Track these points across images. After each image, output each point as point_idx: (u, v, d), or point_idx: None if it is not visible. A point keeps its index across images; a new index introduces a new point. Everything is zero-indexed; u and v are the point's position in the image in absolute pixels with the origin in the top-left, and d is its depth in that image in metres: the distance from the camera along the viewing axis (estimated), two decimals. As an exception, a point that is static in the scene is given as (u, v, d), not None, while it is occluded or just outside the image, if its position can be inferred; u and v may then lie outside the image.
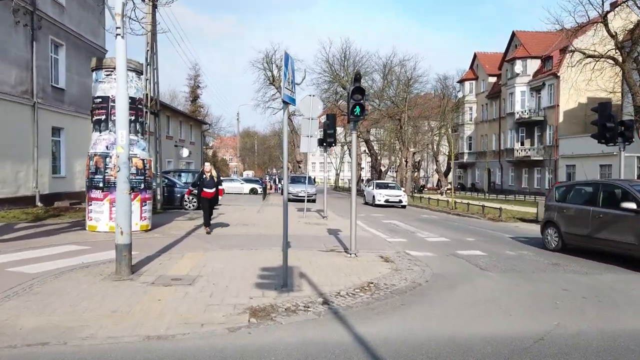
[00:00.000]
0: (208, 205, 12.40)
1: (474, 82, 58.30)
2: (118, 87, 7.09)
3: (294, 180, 32.74)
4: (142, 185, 11.93)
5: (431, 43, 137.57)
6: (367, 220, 18.11)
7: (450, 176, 61.31)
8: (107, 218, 11.43)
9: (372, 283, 7.02)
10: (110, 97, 11.64)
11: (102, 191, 11.58)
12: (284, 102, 6.65)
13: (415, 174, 34.67)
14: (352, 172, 9.46)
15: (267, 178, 46.41)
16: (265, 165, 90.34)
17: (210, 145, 74.89)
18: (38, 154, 19.17)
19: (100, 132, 11.74)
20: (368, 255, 9.63)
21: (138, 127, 12.05)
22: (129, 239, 6.99)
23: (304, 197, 29.43)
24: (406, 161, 32.74)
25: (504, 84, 49.95)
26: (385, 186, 29.33)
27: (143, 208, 11.96)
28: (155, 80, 18.72)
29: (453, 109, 52.90)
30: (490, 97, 54.48)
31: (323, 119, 24.19)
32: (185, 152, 34.93)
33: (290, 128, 42.41)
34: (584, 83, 25.63)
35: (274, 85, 40.84)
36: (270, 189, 42.38)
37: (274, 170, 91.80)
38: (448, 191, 42.20)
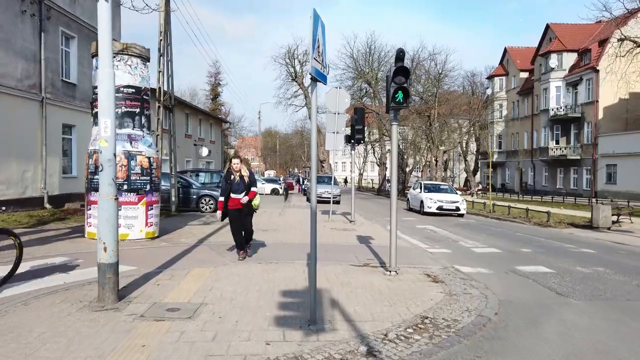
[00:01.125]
0: (238, 218, 8.57)
1: (504, 78, 55.84)
2: (101, 65, 5.60)
3: (317, 181, 31.11)
4: (148, 187, 10.49)
5: (456, 39, 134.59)
6: (400, 225, 16.40)
7: (477, 176, 59.08)
8: (143, 222, 10.02)
9: (427, 318, 5.37)
10: (112, 86, 10.22)
11: None
12: (312, 79, 5.06)
13: (443, 174, 32.70)
14: (392, 170, 7.79)
15: (291, 178, 44.88)
16: (287, 165, 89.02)
17: (233, 145, 74.01)
18: (47, 153, 18.01)
19: (100, 126, 10.32)
20: (410, 272, 7.98)
21: (144, 120, 10.62)
22: (114, 257, 5.49)
23: (328, 198, 28.02)
24: (436, 160, 30.85)
25: (537, 79, 47.50)
26: (437, 189, 23.29)
27: (149, 212, 10.52)
28: (170, 72, 17.36)
29: (482, 107, 50.61)
30: (522, 94, 52.02)
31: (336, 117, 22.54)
32: (204, 151, 33.72)
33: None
34: (635, 74, 23.43)
35: (296, 81, 39.34)
36: (292, 189, 40.92)
37: (296, 170, 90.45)
38: (479, 192, 40.08)
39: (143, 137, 10.54)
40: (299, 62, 38.78)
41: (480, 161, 60.47)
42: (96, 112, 10.36)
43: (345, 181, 66.78)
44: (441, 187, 23.97)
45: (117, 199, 5.56)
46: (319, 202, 28.30)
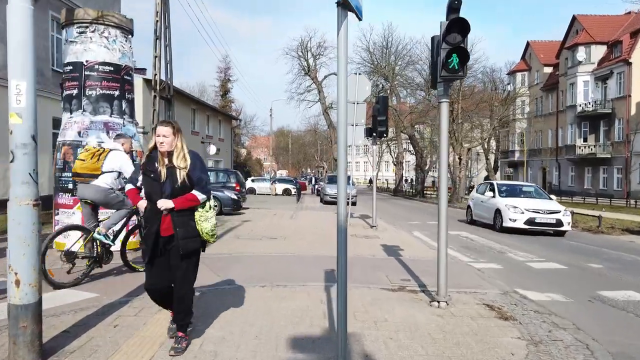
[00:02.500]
0: (162, 258, 4.02)
1: (526, 73, 53.32)
2: (15, -1, 3.68)
3: (331, 181, 29.22)
4: (130, 186, 8.56)
5: (473, 33, 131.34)
6: (426, 230, 14.37)
7: (497, 175, 56.57)
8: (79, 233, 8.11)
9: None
10: (84, 62, 8.35)
11: (73, 195, 8.29)
12: (338, 3, 3.10)
13: (467, 173, 30.48)
14: (441, 165, 5.75)
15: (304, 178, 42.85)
16: (299, 165, 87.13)
17: (245, 144, 72.33)
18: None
19: (71, 112, 8.46)
20: (463, 300, 5.97)
21: (125, 106, 8.72)
22: (34, 295, 3.58)
23: (344, 199, 26.00)
24: (460, 158, 28.67)
25: (562, 74, 45.03)
26: (519, 191, 16.16)
27: (132, 219, 8.60)
28: (168, 59, 15.49)
29: (503, 103, 48.22)
30: (546, 89, 49.52)
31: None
32: (212, 150, 31.91)
33: (328, 122, 38.87)
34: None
35: (309, 75, 37.36)
36: (305, 189, 39.02)
37: (308, 170, 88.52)
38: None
39: (123, 125, 8.64)
40: (312, 55, 36.87)
41: (501, 160, 58.01)
42: (67, 96, 8.55)
43: (370, 181, 64.68)
44: (524, 188, 16.70)
45: (38, 204, 3.64)
46: (332, 203, 26.47)
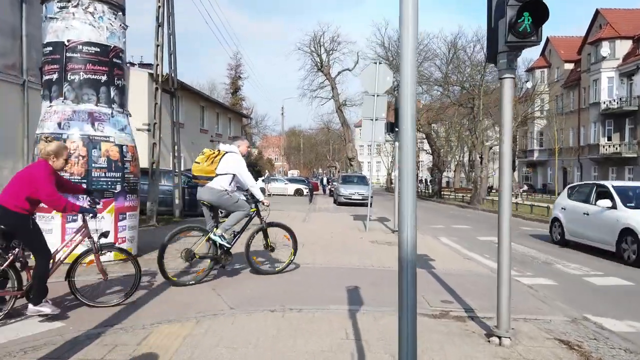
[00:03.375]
0: None
1: (545, 70, 51.50)
2: None
3: (346, 181, 27.96)
4: (119, 187, 7.39)
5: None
6: (453, 236, 13.03)
7: (514, 176, 54.80)
8: (59, 240, 6.88)
9: None
10: (66, 42, 7.18)
11: None
12: None
13: (488, 172, 28.96)
14: (503, 163, 4.42)
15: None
16: (311, 165, 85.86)
17: (257, 144, 71.22)
18: (29, 147, 15.16)
19: (50, 100, 7.28)
20: (528, 332, 4.68)
21: (114, 94, 7.53)
22: None
23: (359, 200, 24.75)
24: (481, 158, 27.20)
25: (585, 70, 43.28)
26: None
27: (120, 224, 7.42)
28: (172, 49, 14.32)
29: (521, 101, 46.52)
30: (567, 86, 47.78)
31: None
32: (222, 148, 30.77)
33: (341, 120, 37.55)
34: None
35: (322, 71, 36.01)
36: (317, 190, 37.78)
37: (320, 170, 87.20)
38: (524, 193, 36.21)
39: (112, 116, 7.45)
40: (325, 50, 35.49)
41: (519, 160, 56.25)
42: (46, 81, 7.44)
43: (391, 182, 63.25)
44: None
45: None
46: (347, 204, 25.16)
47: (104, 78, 7.36)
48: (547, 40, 51.99)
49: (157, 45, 13.50)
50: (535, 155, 52.69)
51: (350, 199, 24.94)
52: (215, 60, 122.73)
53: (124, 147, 7.51)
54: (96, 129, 7.21)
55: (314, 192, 31.53)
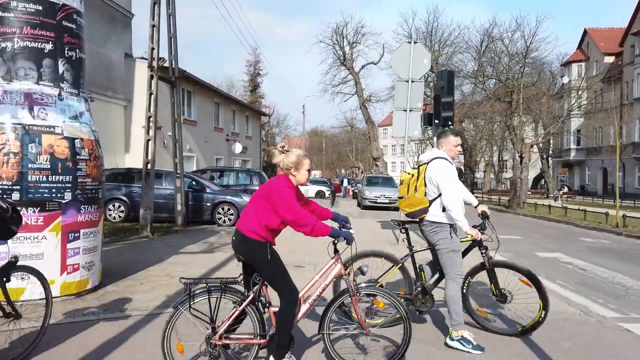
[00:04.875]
0: None
1: (583, 64, 48.31)
2: None
3: (370, 182, 25.84)
4: (68, 196, 5.41)
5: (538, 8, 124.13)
6: (506, 251, 10.75)
7: (550, 177, 51.65)
8: (57, 268, 4.83)
9: None
10: (-7, -3, 5.24)
11: (44, 209, 5.23)
12: None
13: (527, 174, 26.21)
14: None
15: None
16: (333, 165, 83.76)
17: (279, 145, 69.24)
18: None
19: (-28, 76, 5.34)
20: None
21: (63, 68, 5.56)
22: None
23: (385, 204, 22.63)
24: (521, 157, 24.65)
25: (628, 63, 40.28)
26: None
27: (71, 246, 5.44)
28: (171, 31, 12.40)
29: (556, 98, 43.58)
30: (607, 81, 44.52)
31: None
32: (238, 148, 28.97)
33: (365, 117, 35.27)
34: None
35: (345, 65, 33.75)
36: (339, 191, 35.67)
37: (343, 171, 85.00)
38: (564, 196, 33.43)
39: (60, 98, 5.49)
40: (348, 42, 33.16)
41: (553, 160, 53.06)
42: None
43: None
44: None
45: None
46: (372, 208, 23.00)
47: (48, 47, 5.40)
48: (585, 32, 48.91)
49: (153, 26, 11.58)
50: (572, 155, 49.57)
51: (376, 202, 22.84)
52: (232, 60, 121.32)
53: (76, 140, 5.53)
54: (35, 115, 5.26)
55: (336, 194, 29.44)
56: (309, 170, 3.74)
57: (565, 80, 48.51)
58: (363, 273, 3.80)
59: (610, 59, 45.00)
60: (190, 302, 3.38)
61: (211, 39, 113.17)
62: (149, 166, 11.29)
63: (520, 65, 25.29)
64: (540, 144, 29.25)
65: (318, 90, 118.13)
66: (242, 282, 3.60)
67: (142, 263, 7.60)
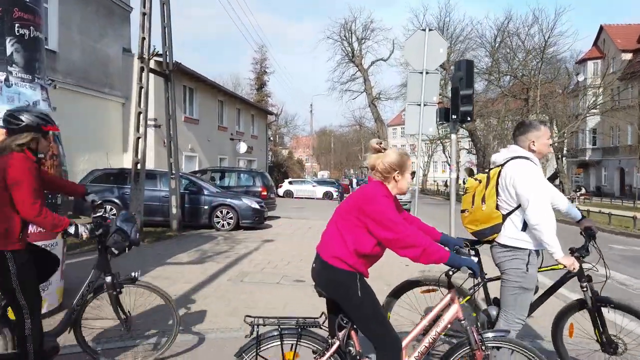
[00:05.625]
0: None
1: (599, 61, 46.95)
2: None
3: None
4: None
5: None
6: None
7: (565, 178, 50.18)
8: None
9: None
10: None
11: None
12: None
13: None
14: None
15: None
16: (341, 165, 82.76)
17: (288, 145, 68.74)
18: (1, 143, 12.64)
19: None
20: None
21: (12, 48, 4.65)
22: None
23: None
24: (538, 157, 23.42)
25: (647, 59, 38.76)
26: None
27: None
28: (165, 21, 11.48)
29: (571, 96, 42.23)
30: (625, 78, 43.10)
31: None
32: (242, 148, 28.07)
33: (375, 116, 34.25)
34: None
35: (353, 62, 32.74)
36: (347, 192, 34.64)
37: (352, 171, 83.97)
38: (581, 197, 32.16)
39: (8, 85, 4.58)
40: (357, 38, 32.14)
41: (568, 160, 51.65)
42: None
43: (446, 184, 59.07)
44: None
45: None
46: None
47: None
48: (601, 28, 47.52)
49: (144, 14, 10.68)
50: (587, 155, 48.18)
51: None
52: (238, 59, 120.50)
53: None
54: (-27, 105, 4.33)
55: (345, 195, 28.47)
56: (412, 173, 2.85)
57: (581, 78, 47.16)
58: (490, 319, 2.85)
59: (627, 56, 43.60)
60: (257, 348, 2.62)
61: (217, 37, 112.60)
62: (138, 166, 10.36)
63: (537, 60, 24.08)
64: (556, 143, 27.99)
65: (326, 89, 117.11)
66: (325, 324, 2.74)
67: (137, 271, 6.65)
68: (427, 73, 9.71)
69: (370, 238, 2.59)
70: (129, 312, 3.85)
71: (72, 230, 3.19)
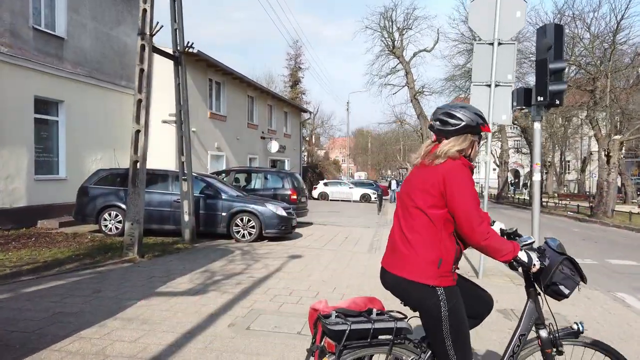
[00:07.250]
0: None
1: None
2: None
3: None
4: None
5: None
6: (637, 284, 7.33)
7: (617, 180, 46.13)
8: None
9: None
10: None
11: None
12: None
13: (615, 176, 21.46)
14: None
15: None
16: (379, 166, 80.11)
17: (324, 146, 66.96)
18: (1, 141, 11.14)
19: None
20: None
21: None
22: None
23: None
24: (608, 156, 20.60)
25: None
26: None
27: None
28: (175, -7, 9.61)
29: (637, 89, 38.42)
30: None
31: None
32: (274, 147, 26.21)
33: (417, 112, 31.75)
34: None
35: (394, 53, 30.35)
36: (386, 194, 32.39)
37: (389, 172, 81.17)
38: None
39: None
40: (398, 28, 29.71)
41: (627, 160, 47.58)
42: None
43: (525, 186, 55.06)
44: None
45: None
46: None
47: None
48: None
49: (146, -16, 8.81)
50: (648, 155, 44.09)
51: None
52: (272, 57, 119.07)
53: None
54: None
55: (383, 198, 26.25)
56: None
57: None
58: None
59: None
60: None
61: (253, 35, 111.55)
62: (138, 165, 8.51)
63: (607, 45, 21.14)
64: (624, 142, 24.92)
65: (363, 86, 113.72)
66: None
67: (77, 319, 4.74)
68: (499, 44, 7.48)
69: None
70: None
71: (524, 257, 2.38)
